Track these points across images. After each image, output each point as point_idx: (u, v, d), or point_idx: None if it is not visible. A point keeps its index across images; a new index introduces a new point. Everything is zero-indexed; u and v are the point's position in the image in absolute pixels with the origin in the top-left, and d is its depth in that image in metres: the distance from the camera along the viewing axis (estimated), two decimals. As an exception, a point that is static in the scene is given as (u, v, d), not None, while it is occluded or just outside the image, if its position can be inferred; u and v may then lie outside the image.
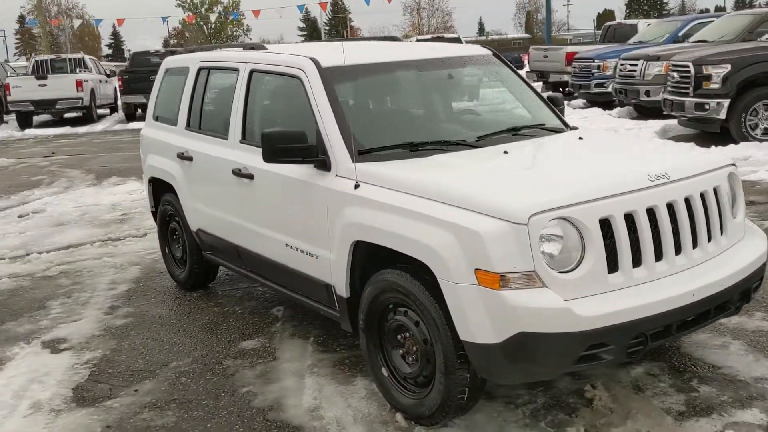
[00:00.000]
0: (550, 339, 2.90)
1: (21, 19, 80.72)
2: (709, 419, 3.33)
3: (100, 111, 22.13)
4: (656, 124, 12.11)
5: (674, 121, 11.47)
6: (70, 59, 22.96)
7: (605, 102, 15.60)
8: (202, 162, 4.91)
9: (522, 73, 4.63)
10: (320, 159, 3.75)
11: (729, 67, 9.86)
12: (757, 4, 67.76)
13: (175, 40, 76.84)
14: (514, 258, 2.91)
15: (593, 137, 4.22)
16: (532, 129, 4.14)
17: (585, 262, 2.99)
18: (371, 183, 3.51)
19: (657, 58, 12.89)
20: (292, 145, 3.70)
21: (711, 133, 10.31)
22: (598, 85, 15.67)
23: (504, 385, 3.66)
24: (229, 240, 4.78)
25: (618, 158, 3.74)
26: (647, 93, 12.88)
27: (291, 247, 4.07)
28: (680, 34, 15.34)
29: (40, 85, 19.73)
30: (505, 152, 3.65)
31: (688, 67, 10.32)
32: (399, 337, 3.50)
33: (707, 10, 69.89)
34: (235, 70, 4.61)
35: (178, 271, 5.75)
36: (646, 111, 13.45)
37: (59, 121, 21.39)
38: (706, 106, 10.05)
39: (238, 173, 4.39)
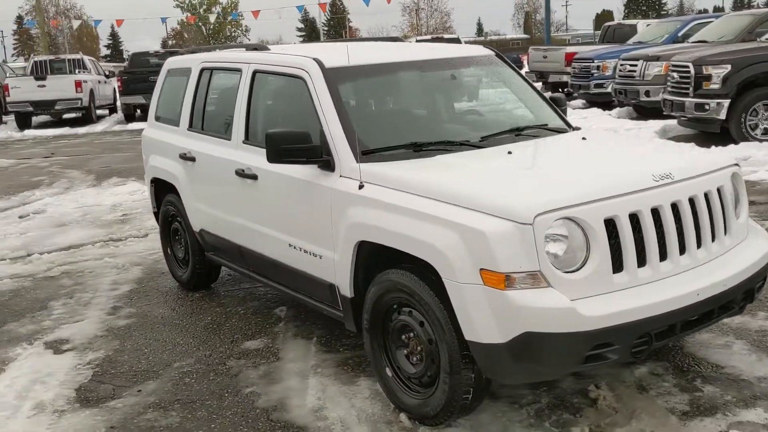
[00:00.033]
0: (556, 339, 2.91)
1: (19, 19, 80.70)
2: (714, 419, 3.34)
3: (99, 112, 22.13)
4: (656, 125, 12.12)
5: (674, 122, 11.48)
6: (69, 60, 22.97)
7: (604, 102, 15.61)
8: (204, 162, 4.91)
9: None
10: (324, 159, 3.76)
11: (729, 67, 9.87)
12: (755, 5, 67.88)
13: (174, 41, 76.81)
14: (519, 258, 2.91)
15: (596, 137, 4.23)
16: (535, 129, 4.15)
17: (590, 262, 3.00)
18: (375, 183, 3.51)
19: (657, 58, 12.91)
20: (296, 146, 3.71)
21: (711, 134, 10.32)
22: (597, 86, 15.68)
23: (508, 385, 3.66)
24: (232, 240, 4.79)
25: (622, 158, 3.75)
26: (647, 93, 12.90)
27: (294, 248, 4.08)
28: (680, 34, 15.36)
29: (39, 86, 19.72)
30: (509, 152, 3.65)
31: (688, 67, 10.33)
32: (403, 337, 3.50)
33: (705, 11, 70.03)
34: (238, 70, 4.62)
35: (180, 272, 5.75)
36: (645, 111, 13.47)
37: (58, 122, 21.38)
38: (706, 107, 10.06)
39: (241, 174, 4.39)
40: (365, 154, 3.67)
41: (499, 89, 4.78)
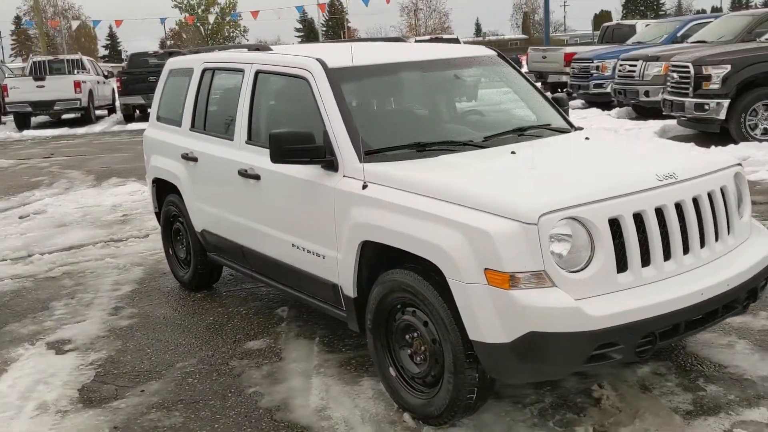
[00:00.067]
0: (560, 338, 2.91)
1: (17, 20, 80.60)
2: (717, 418, 3.34)
3: (98, 112, 22.11)
4: (655, 125, 12.13)
5: (673, 122, 11.50)
6: (67, 60, 22.97)
7: (604, 102, 15.63)
8: (207, 163, 4.91)
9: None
10: (327, 159, 3.76)
11: (729, 67, 9.88)
12: (753, 5, 67.96)
13: (172, 41, 76.78)
14: (523, 258, 2.92)
15: (599, 137, 4.24)
16: (538, 129, 4.15)
17: (594, 262, 3.00)
18: (379, 183, 3.52)
19: (656, 58, 12.92)
20: (300, 146, 3.71)
21: (710, 134, 10.33)
22: (597, 86, 15.70)
23: (511, 385, 3.67)
24: (234, 240, 4.79)
25: (625, 158, 3.76)
26: (646, 93, 12.91)
27: (297, 248, 4.08)
28: (679, 34, 15.38)
29: (38, 86, 19.71)
30: (513, 152, 3.66)
31: (687, 67, 10.34)
32: (407, 336, 3.50)
33: (704, 11, 70.09)
34: (241, 71, 4.62)
35: (181, 272, 5.75)
36: (645, 111, 13.48)
37: (57, 122, 21.37)
38: (706, 107, 10.07)
39: (244, 174, 4.39)
40: (368, 154, 3.67)
41: (500, 89, 4.79)
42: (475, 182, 3.29)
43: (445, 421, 3.38)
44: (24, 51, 79.17)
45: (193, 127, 5.18)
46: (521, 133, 4.05)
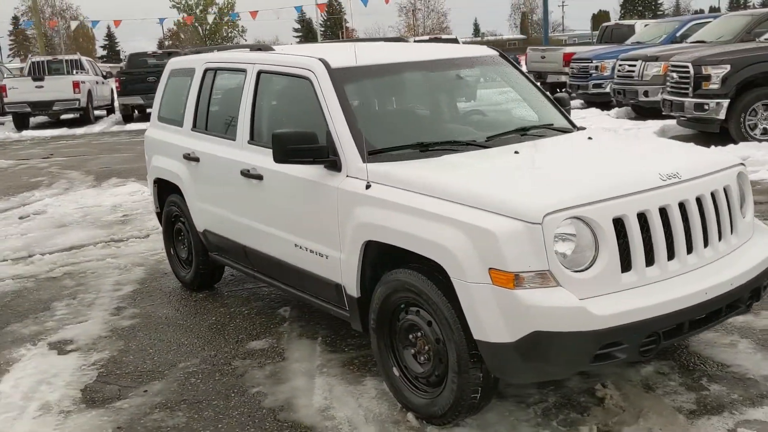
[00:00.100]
0: (565, 338, 2.91)
1: (14, 20, 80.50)
2: (721, 417, 3.35)
3: (96, 112, 22.09)
4: (655, 125, 12.14)
5: (673, 122, 11.51)
6: (66, 60, 22.95)
7: (603, 102, 15.64)
8: (209, 163, 4.91)
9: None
10: (331, 159, 3.76)
11: (728, 67, 9.89)
12: (750, 5, 68.03)
13: (170, 42, 76.72)
14: (528, 257, 2.92)
15: (602, 137, 4.24)
16: (540, 129, 4.16)
17: (599, 262, 3.01)
18: (383, 183, 3.52)
19: (655, 58, 12.93)
20: (303, 146, 3.71)
21: (710, 134, 10.34)
22: (596, 86, 15.70)
23: (514, 385, 3.67)
24: (236, 240, 4.79)
25: (629, 158, 3.76)
26: (646, 93, 12.91)
27: (300, 248, 4.08)
28: (678, 34, 15.39)
29: (36, 87, 19.70)
30: (516, 152, 3.66)
31: (687, 67, 10.35)
32: (411, 336, 3.50)
33: (701, 11, 70.13)
34: (243, 71, 4.62)
35: (183, 272, 5.75)
36: (644, 111, 13.49)
37: (56, 123, 21.36)
38: (706, 107, 10.08)
39: (246, 174, 4.39)
40: (371, 154, 3.67)
41: (498, 89, 4.79)
42: (479, 182, 3.30)
43: (448, 420, 3.38)
44: (22, 51, 79.07)
45: (194, 127, 5.18)
46: (524, 133, 4.05)
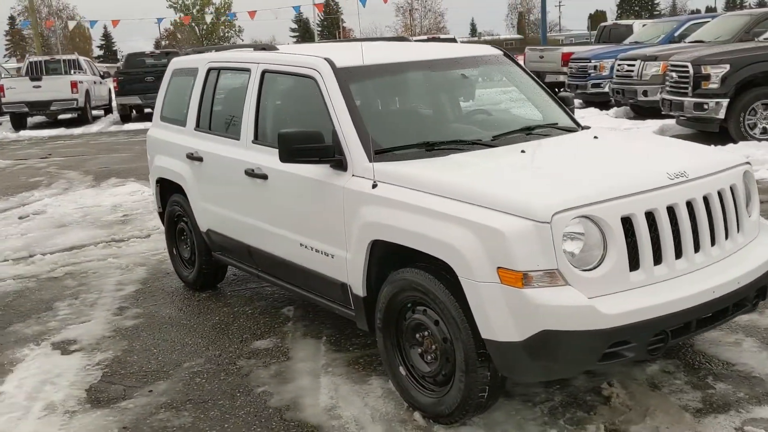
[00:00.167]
0: (574, 337, 2.91)
1: (11, 20, 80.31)
2: (728, 416, 3.35)
3: (94, 112, 22.04)
4: (654, 124, 12.16)
5: (672, 121, 11.53)
6: (64, 60, 22.90)
7: (602, 102, 15.65)
8: (212, 162, 4.90)
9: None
10: (336, 159, 3.76)
11: (728, 67, 9.90)
12: (747, 5, 68.19)
13: (167, 41, 76.63)
14: (536, 256, 2.92)
15: (608, 136, 4.24)
16: (545, 128, 4.16)
17: (607, 260, 3.01)
18: (389, 182, 3.52)
19: (654, 58, 12.94)
20: (309, 145, 3.71)
21: (709, 133, 10.35)
22: (594, 86, 15.71)
23: (521, 384, 3.67)
24: (240, 240, 4.78)
25: (636, 157, 3.76)
26: (645, 93, 12.93)
27: (306, 247, 4.08)
28: (676, 34, 15.42)
29: (34, 87, 19.64)
30: (522, 151, 3.66)
31: (686, 67, 10.36)
32: (417, 335, 3.50)
33: (698, 11, 70.29)
34: (247, 70, 4.61)
35: (186, 272, 5.74)
36: (643, 111, 13.50)
37: (53, 123, 21.31)
38: (705, 106, 10.10)
39: (251, 173, 4.39)
40: (377, 153, 3.67)
41: (498, 89, 4.79)
42: (486, 181, 3.30)
43: (456, 419, 3.38)
44: (18, 51, 78.86)
45: (198, 126, 5.17)
46: (529, 132, 4.05)
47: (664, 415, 3.40)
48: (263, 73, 4.48)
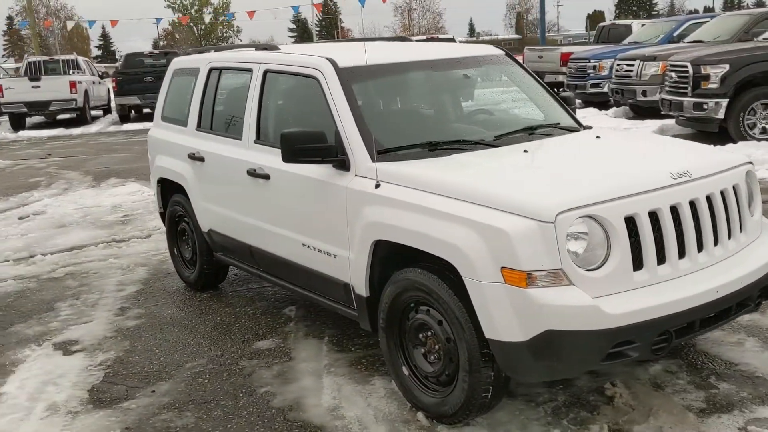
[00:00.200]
0: (578, 337, 2.91)
1: (9, 20, 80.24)
2: (731, 415, 3.36)
3: (93, 112, 22.02)
4: (653, 124, 12.17)
5: (672, 121, 11.54)
6: (63, 60, 22.88)
7: (601, 102, 15.66)
8: (214, 162, 4.90)
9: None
10: (339, 159, 3.76)
11: (727, 67, 9.91)
12: (745, 5, 68.26)
13: (165, 42, 76.58)
14: (540, 256, 2.92)
15: (610, 136, 4.25)
16: (548, 128, 4.16)
17: (611, 260, 3.01)
18: (392, 182, 3.51)
19: (654, 58, 12.95)
20: (312, 145, 3.71)
21: (709, 133, 10.37)
22: (594, 86, 15.72)
23: (524, 384, 3.67)
24: (242, 240, 4.78)
25: (638, 156, 3.76)
26: (644, 93, 12.93)
27: (308, 247, 4.07)
28: (675, 34, 15.43)
29: (33, 87, 19.61)
30: (525, 151, 3.66)
31: (686, 67, 10.37)
32: (420, 335, 3.50)
33: (696, 11, 70.36)
34: (249, 70, 4.61)
35: (187, 272, 5.74)
36: (642, 111, 13.51)
37: (52, 123, 21.29)
38: (705, 106, 10.11)
39: (253, 173, 4.38)
40: (380, 153, 3.66)
41: (499, 89, 4.79)
42: (490, 181, 3.30)
43: (459, 419, 3.38)
44: (16, 51, 78.77)
45: (199, 126, 5.16)
46: (531, 132, 4.05)
47: (667, 415, 3.40)
48: (265, 73, 4.48)
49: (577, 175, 3.36)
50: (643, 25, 18.56)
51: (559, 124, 4.27)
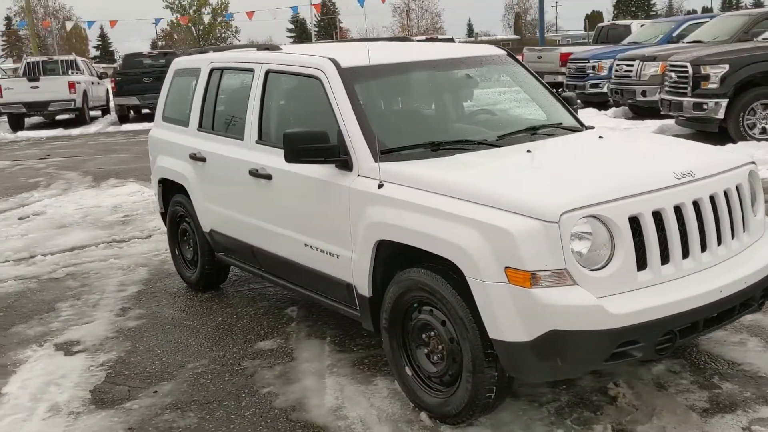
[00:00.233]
0: (582, 337, 2.91)
1: (7, 20, 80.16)
2: (735, 415, 3.36)
3: (92, 113, 22.00)
4: (653, 124, 12.17)
5: (671, 121, 11.54)
6: (62, 61, 22.85)
7: (600, 102, 15.66)
8: (216, 163, 4.90)
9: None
10: (342, 159, 3.75)
11: (727, 67, 9.92)
12: (743, 5, 68.33)
13: (163, 42, 76.54)
14: (544, 256, 2.92)
15: (613, 136, 4.24)
16: (550, 128, 4.16)
17: (615, 260, 3.01)
18: (395, 182, 3.51)
19: (653, 58, 12.95)
20: (314, 146, 3.70)
21: (709, 133, 10.37)
22: (593, 86, 15.71)
23: (527, 384, 3.67)
24: (244, 240, 4.77)
25: (642, 156, 3.76)
26: (643, 93, 12.94)
27: (311, 247, 4.07)
28: (674, 34, 15.43)
29: (32, 87, 19.59)
30: (528, 151, 3.66)
31: (686, 67, 10.38)
32: (424, 336, 3.50)
33: (694, 11, 70.42)
34: (250, 70, 4.60)
35: (188, 273, 5.73)
36: (642, 111, 13.51)
37: (51, 123, 21.27)
38: (704, 106, 10.11)
39: (255, 174, 4.38)
40: (383, 153, 3.66)
41: (506, 88, 4.79)
42: (493, 181, 3.30)
43: (462, 420, 3.38)
44: (14, 52, 78.71)
45: (201, 127, 5.16)
46: (534, 132, 4.05)
47: (671, 415, 3.40)
48: (267, 73, 4.47)
49: (580, 175, 3.36)
50: (642, 26, 18.57)
51: (561, 124, 4.27)
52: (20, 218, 8.74)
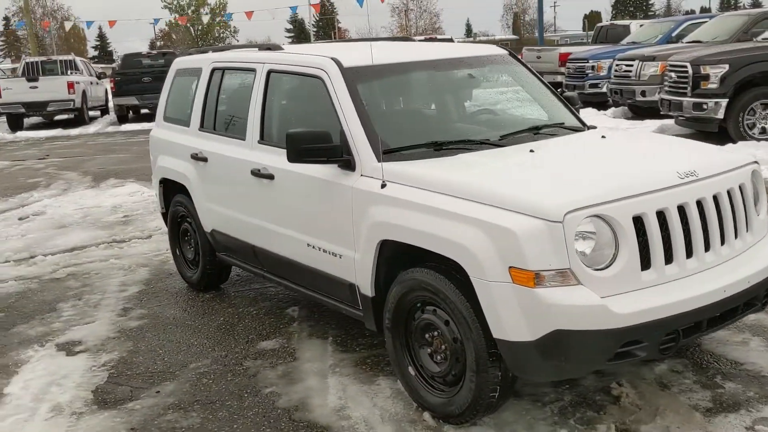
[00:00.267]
0: (586, 336, 2.91)
1: (5, 21, 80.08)
2: (738, 415, 3.36)
3: (91, 113, 21.98)
4: (652, 124, 12.17)
5: (671, 121, 11.54)
6: (60, 61, 22.82)
7: (599, 102, 15.67)
8: (217, 163, 4.89)
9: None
10: (345, 159, 3.75)
11: (727, 67, 9.93)
12: (741, 5, 68.41)
13: (162, 42, 76.50)
14: (548, 256, 2.92)
15: (616, 136, 4.25)
16: (552, 128, 4.16)
17: (619, 260, 3.01)
18: (398, 182, 3.51)
19: (653, 58, 12.96)
20: (317, 145, 3.70)
21: (708, 133, 10.38)
22: (592, 86, 15.70)
23: (530, 383, 3.67)
24: (245, 240, 4.77)
25: (645, 156, 3.76)
26: (643, 93, 12.94)
27: (313, 247, 4.07)
28: (673, 34, 15.44)
29: (31, 87, 19.57)
30: (531, 151, 3.66)
31: (685, 67, 10.38)
32: (427, 335, 3.50)
33: (693, 11, 70.46)
34: (252, 70, 4.60)
35: (189, 273, 5.73)
36: (641, 111, 13.52)
37: (50, 123, 21.25)
38: (704, 106, 10.12)
39: (257, 174, 4.38)
40: (386, 153, 3.65)
41: (508, 87, 4.79)
42: (497, 180, 3.30)
43: (466, 419, 3.38)
44: (12, 52, 78.64)
45: (202, 127, 5.15)
46: (536, 131, 4.05)
47: (674, 414, 3.40)
48: (269, 73, 4.47)
49: (584, 174, 3.36)
50: (641, 26, 18.58)
51: (563, 123, 4.27)
52: (20, 218, 8.73)
